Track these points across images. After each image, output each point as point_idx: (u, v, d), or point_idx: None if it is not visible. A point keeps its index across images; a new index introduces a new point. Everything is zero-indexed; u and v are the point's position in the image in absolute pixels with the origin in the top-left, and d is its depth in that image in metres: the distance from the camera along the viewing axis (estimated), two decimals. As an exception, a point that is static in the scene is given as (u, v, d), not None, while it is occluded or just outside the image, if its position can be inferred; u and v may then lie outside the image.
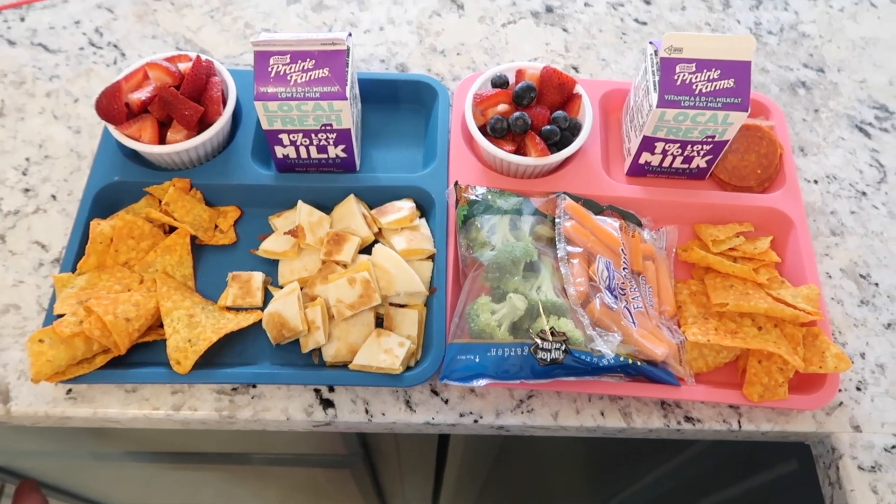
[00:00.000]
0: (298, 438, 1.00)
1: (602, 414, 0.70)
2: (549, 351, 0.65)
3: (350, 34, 0.75)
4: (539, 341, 0.65)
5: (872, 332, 0.76)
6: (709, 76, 0.72)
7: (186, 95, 0.75)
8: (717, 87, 0.72)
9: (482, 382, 0.65)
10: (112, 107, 0.74)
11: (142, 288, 0.71)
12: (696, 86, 0.72)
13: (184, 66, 0.78)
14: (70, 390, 0.69)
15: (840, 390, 0.72)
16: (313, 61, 0.71)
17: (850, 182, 0.86)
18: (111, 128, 0.75)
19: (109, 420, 0.70)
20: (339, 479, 1.21)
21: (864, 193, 0.85)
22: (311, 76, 0.71)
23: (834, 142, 0.89)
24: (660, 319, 0.72)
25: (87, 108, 0.87)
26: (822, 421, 0.71)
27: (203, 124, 0.77)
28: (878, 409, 0.71)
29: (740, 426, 0.70)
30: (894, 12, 1.03)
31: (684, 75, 0.72)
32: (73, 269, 0.72)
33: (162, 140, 0.76)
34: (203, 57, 0.78)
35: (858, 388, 0.73)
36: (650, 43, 0.76)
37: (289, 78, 0.70)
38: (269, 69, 0.71)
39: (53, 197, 0.80)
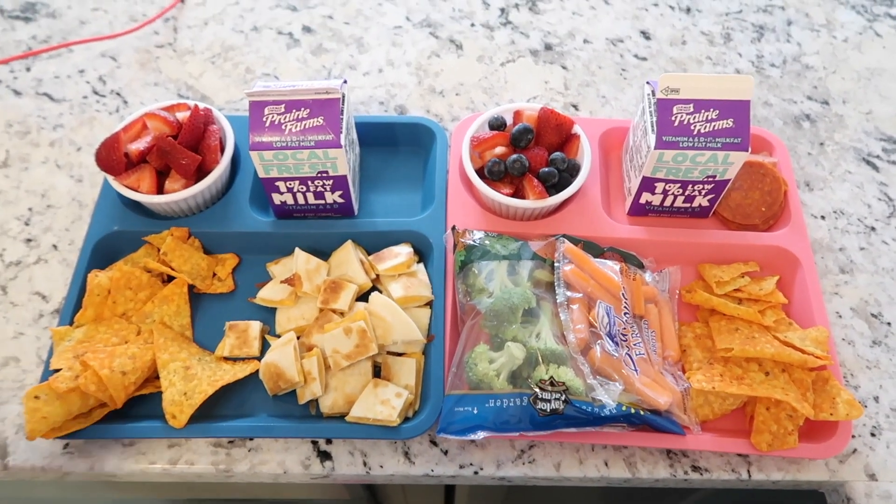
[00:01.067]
0: (303, 484, 0.99)
1: (606, 464, 0.68)
2: (549, 401, 0.63)
3: (345, 81, 0.75)
4: (538, 391, 0.64)
5: (886, 373, 0.73)
6: (707, 116, 0.71)
7: (184, 144, 0.76)
8: (716, 127, 0.71)
9: (481, 435, 0.63)
10: (111, 157, 0.74)
11: (139, 339, 0.71)
12: (695, 126, 0.71)
13: (182, 115, 0.79)
14: (67, 445, 0.69)
15: (853, 436, 0.70)
16: (308, 110, 0.71)
17: (859, 217, 0.84)
18: (110, 178, 0.76)
19: (106, 475, 0.69)
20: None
21: (873, 228, 0.83)
22: (305, 125, 0.71)
23: (841, 175, 0.87)
24: (663, 365, 0.70)
25: (89, 156, 0.88)
26: (836, 469, 0.68)
27: (201, 172, 0.77)
28: (895, 457, 0.69)
29: (750, 475, 0.68)
30: (899, 42, 1.02)
31: (682, 116, 0.71)
32: (72, 321, 0.72)
33: (160, 189, 0.76)
34: (201, 105, 0.78)
35: (873, 434, 0.70)
36: (648, 83, 0.75)
37: (283, 127, 0.71)
38: (264, 119, 0.71)
39: (55, 247, 0.81)
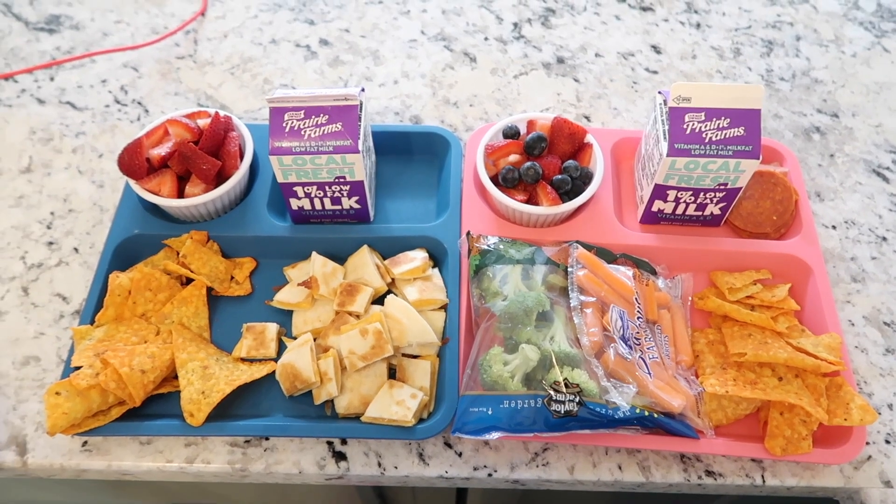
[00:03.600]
0: (314, 490, 0.99)
1: (619, 468, 0.68)
2: (563, 403, 0.64)
3: (363, 89, 0.76)
4: (553, 393, 0.64)
5: (899, 381, 0.74)
6: (718, 125, 0.72)
7: (205, 150, 0.77)
8: (728, 136, 0.72)
9: (495, 435, 0.64)
10: (133, 162, 0.76)
11: (158, 339, 0.72)
12: (706, 134, 0.72)
13: (203, 122, 0.80)
14: (86, 442, 0.70)
15: (868, 443, 0.70)
16: (327, 116, 0.72)
17: (870, 227, 0.85)
18: (132, 182, 0.77)
19: (124, 472, 0.70)
20: (355, 532, 1.19)
21: (884, 238, 0.84)
22: (324, 130, 0.72)
23: (851, 186, 0.88)
24: (676, 370, 0.70)
25: (110, 163, 0.90)
26: (851, 476, 0.68)
27: (221, 178, 0.78)
28: (909, 463, 0.69)
29: (764, 481, 0.68)
30: (907, 57, 1.03)
31: (694, 124, 0.72)
32: (92, 321, 0.73)
33: (181, 194, 0.78)
34: (222, 113, 0.80)
35: (888, 441, 0.70)
36: (659, 93, 0.76)
37: (303, 133, 0.72)
38: (284, 124, 0.72)
39: (76, 250, 0.82)
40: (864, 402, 0.66)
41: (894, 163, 0.91)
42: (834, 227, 0.85)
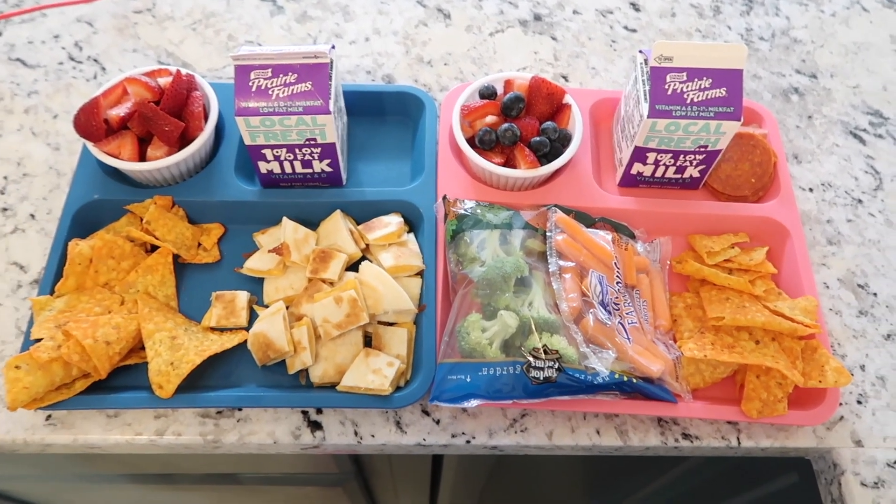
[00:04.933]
0: (289, 458, 0.98)
1: (598, 432, 0.68)
2: (542, 369, 0.63)
3: (333, 46, 0.73)
4: (532, 359, 0.63)
5: (872, 343, 0.74)
6: (700, 85, 0.70)
7: (167, 111, 0.73)
8: (709, 97, 0.70)
9: (474, 403, 0.63)
10: (90, 123, 0.72)
11: (123, 309, 0.69)
12: (688, 95, 0.70)
13: (164, 81, 0.76)
14: (49, 416, 0.67)
15: (840, 404, 0.71)
16: (295, 75, 0.69)
17: (846, 190, 0.85)
18: (90, 145, 0.73)
19: (90, 446, 0.68)
20: (331, 497, 1.19)
21: (860, 201, 0.84)
22: (293, 90, 0.69)
23: (828, 149, 0.88)
24: (655, 334, 0.70)
25: (66, 124, 0.85)
26: (823, 436, 0.69)
27: (184, 140, 0.75)
28: (880, 424, 0.70)
29: (739, 443, 0.68)
30: (886, 17, 1.02)
31: (675, 84, 0.70)
32: (52, 291, 0.70)
33: (142, 157, 0.74)
34: (184, 71, 0.76)
35: (859, 402, 0.71)
36: (640, 52, 0.74)
37: (270, 92, 0.69)
38: (251, 84, 0.69)
39: (32, 216, 0.78)
40: (838, 364, 0.67)
41: (871, 125, 0.90)
42: (811, 190, 0.84)
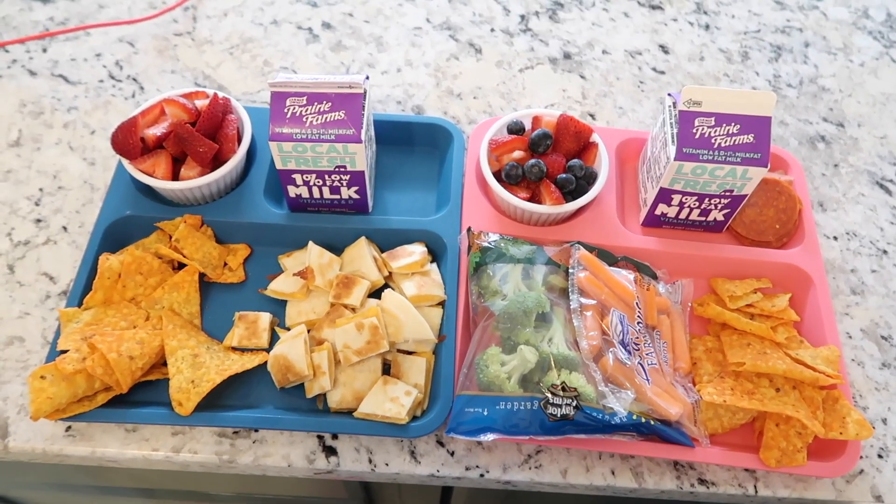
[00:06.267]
0: (299, 481, 0.98)
1: (613, 473, 0.68)
2: (560, 406, 0.63)
3: (367, 77, 0.75)
4: (550, 396, 0.63)
5: (895, 396, 0.73)
6: (728, 130, 0.71)
7: (202, 132, 0.75)
8: (737, 142, 0.71)
9: (490, 437, 0.63)
10: (127, 141, 0.74)
11: (147, 325, 0.70)
12: (716, 140, 0.71)
13: (201, 103, 0.78)
14: (69, 427, 0.68)
15: (861, 457, 0.69)
16: (330, 103, 0.71)
17: (871, 240, 0.84)
18: (125, 162, 0.75)
19: (107, 459, 0.68)
20: (338, 522, 1.18)
21: (885, 252, 0.83)
22: (326, 118, 0.70)
23: (854, 198, 0.88)
24: (674, 376, 0.70)
25: (103, 140, 0.87)
26: (843, 489, 0.68)
27: (217, 161, 0.76)
28: (901, 479, 0.69)
29: (756, 491, 0.67)
30: (915, 69, 1.02)
31: (703, 129, 0.71)
32: (80, 303, 0.71)
33: (175, 176, 0.76)
34: (220, 94, 0.78)
35: (880, 456, 0.70)
36: (668, 95, 0.75)
37: (304, 119, 0.70)
38: (286, 110, 0.71)
39: (64, 228, 0.80)
40: (860, 416, 0.66)
41: (897, 175, 0.90)
42: (835, 238, 0.84)
